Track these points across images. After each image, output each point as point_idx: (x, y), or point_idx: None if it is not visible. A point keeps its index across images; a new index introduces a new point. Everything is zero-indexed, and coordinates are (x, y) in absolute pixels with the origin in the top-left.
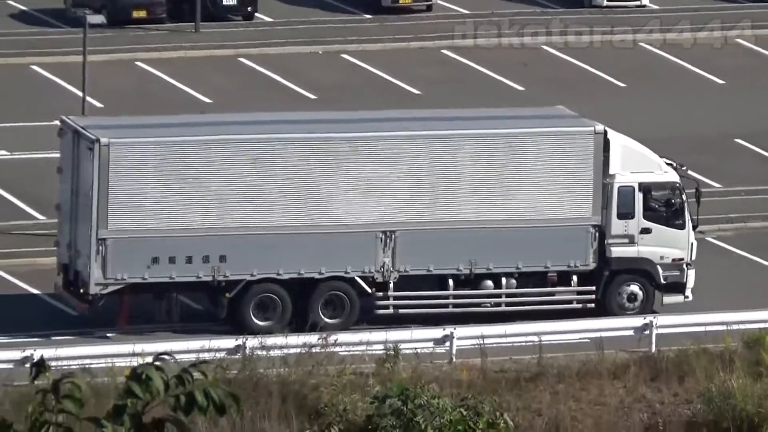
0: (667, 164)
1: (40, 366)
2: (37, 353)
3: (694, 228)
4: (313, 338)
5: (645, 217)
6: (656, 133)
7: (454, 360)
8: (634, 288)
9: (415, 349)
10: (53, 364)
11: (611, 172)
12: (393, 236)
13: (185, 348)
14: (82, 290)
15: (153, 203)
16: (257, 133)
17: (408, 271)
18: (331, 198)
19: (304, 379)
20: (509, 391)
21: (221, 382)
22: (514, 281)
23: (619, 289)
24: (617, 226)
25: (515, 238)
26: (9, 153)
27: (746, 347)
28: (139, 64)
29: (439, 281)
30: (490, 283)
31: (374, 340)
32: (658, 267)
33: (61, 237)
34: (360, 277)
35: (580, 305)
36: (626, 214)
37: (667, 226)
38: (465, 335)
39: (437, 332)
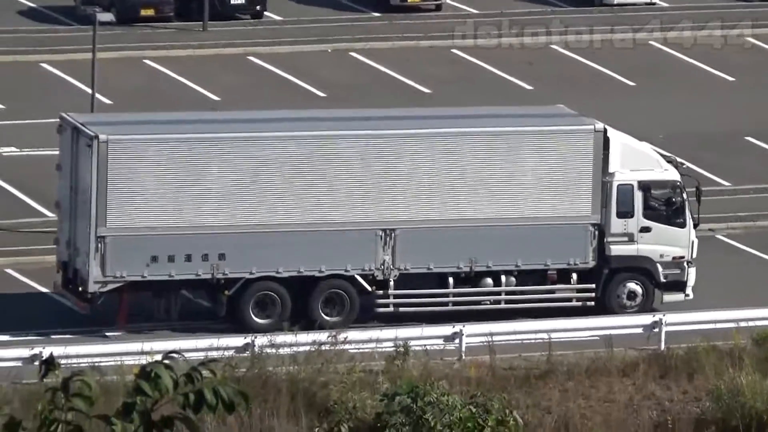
0: (668, 162)
1: (50, 364)
2: (46, 351)
3: (694, 226)
4: (322, 336)
5: (645, 215)
6: (665, 131)
7: (464, 357)
8: (634, 286)
9: (425, 346)
10: (62, 362)
11: (611, 170)
12: (393, 234)
13: (194, 346)
14: (81, 288)
15: (152, 201)
16: (256, 131)
17: (408, 269)
18: (331, 196)
19: (314, 377)
20: (518, 389)
21: (230, 380)
22: (513, 279)
23: (619, 287)
24: (617, 224)
25: (515, 236)
26: (18, 150)
27: (755, 344)
28: (147, 62)
29: (439, 279)
30: (489, 281)
31: (384, 337)
32: (658, 265)
33: (60, 234)
34: (360, 275)
35: (579, 303)
36: (626, 212)
37: (668, 225)
38: (474, 332)
39: (447, 329)
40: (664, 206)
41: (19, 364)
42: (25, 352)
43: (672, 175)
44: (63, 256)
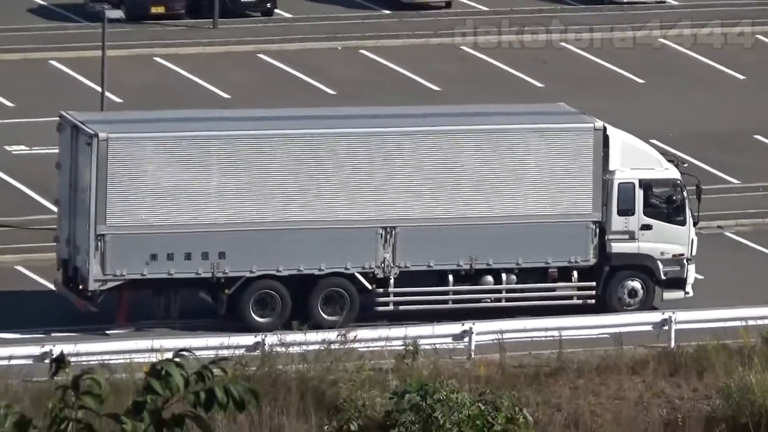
0: (668, 160)
1: (60, 362)
2: (56, 349)
3: (694, 224)
4: (332, 334)
5: (645, 213)
6: (675, 129)
7: (473, 355)
8: (635, 284)
9: (434, 344)
10: (72, 359)
11: (611, 168)
12: (393, 232)
13: (204, 344)
14: (81, 287)
15: (152, 199)
16: (256, 129)
17: (408, 267)
18: (331, 194)
19: (323, 375)
20: (528, 386)
21: (241, 379)
22: (514, 277)
23: (620, 285)
24: (617, 222)
25: (515, 234)
26: (28, 148)
27: (765, 343)
28: (157, 59)
29: (440, 277)
30: (490, 278)
31: (393, 335)
32: (659, 263)
33: (60, 233)
34: (360, 273)
35: (580, 301)
36: (626, 210)
37: (668, 223)
38: (484, 330)
39: (456, 328)
40: (664, 204)
41: (30, 361)
42: (35, 350)
43: (672, 173)
44: (63, 254)
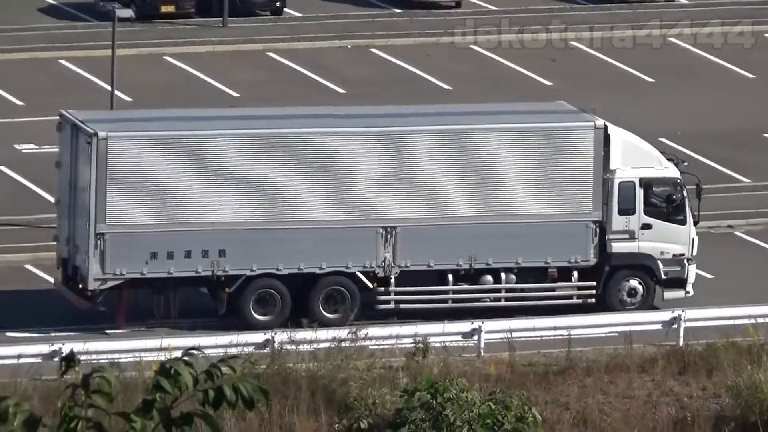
0: (667, 159)
1: (70, 360)
2: (66, 347)
3: (695, 223)
4: (342, 333)
5: (646, 212)
6: (684, 128)
7: (483, 354)
8: (635, 283)
9: (444, 342)
10: (82, 358)
11: (612, 167)
12: (394, 232)
13: (213, 343)
14: (81, 286)
15: (151, 197)
16: (256, 128)
17: (409, 266)
18: (332, 193)
19: (333, 373)
20: (537, 385)
21: (250, 377)
22: (514, 276)
23: (620, 285)
24: (618, 221)
25: (515, 234)
26: (37, 147)
27: None
28: (167, 58)
29: (440, 276)
30: (490, 278)
31: (403, 333)
32: (659, 262)
33: (60, 231)
34: (361, 272)
35: (580, 300)
36: (627, 209)
37: (668, 222)
38: (493, 329)
39: (466, 326)
40: (665, 203)
41: (39, 360)
42: (45, 349)
43: (672, 172)
44: (63, 253)
